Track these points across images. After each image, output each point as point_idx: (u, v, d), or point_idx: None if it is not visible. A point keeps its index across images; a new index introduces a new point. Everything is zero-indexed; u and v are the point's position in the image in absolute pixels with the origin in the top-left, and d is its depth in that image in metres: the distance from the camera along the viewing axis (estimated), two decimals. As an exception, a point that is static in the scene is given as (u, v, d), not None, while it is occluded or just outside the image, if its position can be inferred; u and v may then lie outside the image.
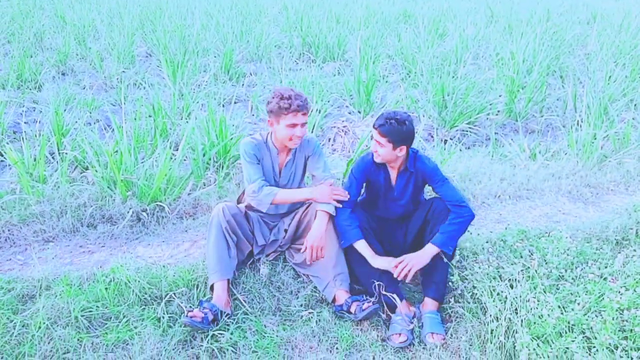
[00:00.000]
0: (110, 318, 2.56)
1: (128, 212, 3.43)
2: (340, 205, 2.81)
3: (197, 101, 5.42)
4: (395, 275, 2.66)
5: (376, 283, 2.69)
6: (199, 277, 2.82)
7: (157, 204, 3.53)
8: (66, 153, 3.89)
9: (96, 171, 3.64)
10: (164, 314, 2.57)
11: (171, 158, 3.90)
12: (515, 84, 5.84)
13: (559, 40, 8.41)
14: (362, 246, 2.76)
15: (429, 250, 2.68)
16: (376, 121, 2.73)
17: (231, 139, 4.16)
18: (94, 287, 2.72)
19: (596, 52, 8.07)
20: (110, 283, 2.73)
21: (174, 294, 2.70)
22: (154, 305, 2.65)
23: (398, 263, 2.67)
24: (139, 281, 2.73)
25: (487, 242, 3.05)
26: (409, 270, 2.64)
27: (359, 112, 5.56)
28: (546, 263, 2.85)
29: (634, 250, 3.03)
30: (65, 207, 3.42)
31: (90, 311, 2.57)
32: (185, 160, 4.20)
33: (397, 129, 2.66)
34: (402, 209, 2.97)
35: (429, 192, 3.40)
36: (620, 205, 3.87)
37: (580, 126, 5.03)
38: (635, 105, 5.81)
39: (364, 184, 2.96)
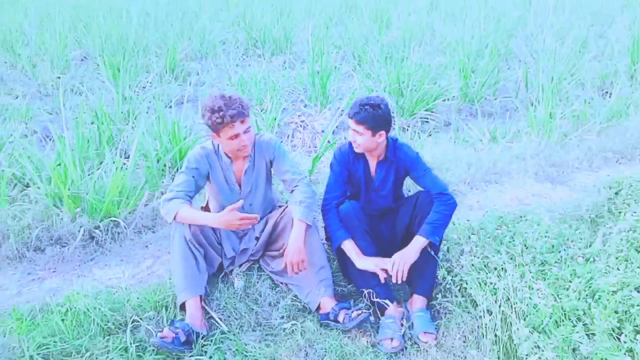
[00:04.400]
0: (71, 353, 2.26)
1: (79, 230, 3.10)
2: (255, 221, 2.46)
3: (142, 104, 5.06)
4: (394, 281, 2.50)
5: (365, 292, 2.54)
6: (167, 297, 2.55)
7: (111, 220, 3.21)
8: (2, 170, 3.48)
9: (38, 188, 3.27)
10: (131, 342, 2.29)
11: (122, 167, 3.59)
12: (467, 68, 5.80)
13: (502, 24, 8.51)
14: (348, 247, 2.59)
15: (417, 243, 2.54)
16: (350, 110, 2.60)
17: (185, 138, 3.88)
18: (48, 319, 2.40)
19: (537, 34, 8.22)
20: (67, 313, 2.42)
21: (141, 318, 2.42)
22: (119, 333, 2.37)
23: (386, 266, 2.51)
24: (99, 308, 2.43)
25: (468, 230, 2.94)
26: (404, 269, 2.49)
27: (315, 105, 5.35)
28: (527, 248, 2.77)
29: (610, 228, 3.00)
30: (7, 231, 3.05)
31: (48, 348, 2.26)
32: (137, 168, 3.86)
33: (373, 114, 2.55)
34: (383, 201, 2.82)
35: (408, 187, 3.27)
36: (587, 182, 3.87)
37: (535, 107, 5.04)
38: (583, 84, 5.90)
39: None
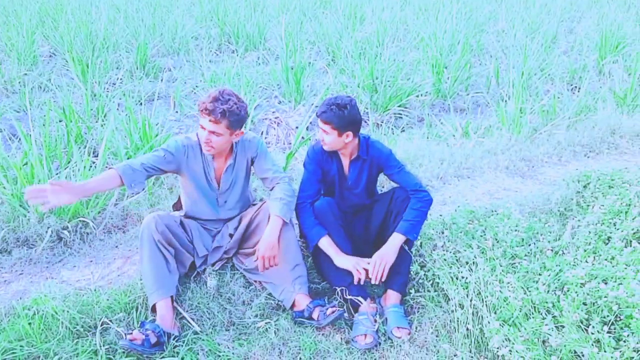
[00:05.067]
0: (39, 357, 2.20)
1: (46, 231, 3.02)
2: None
3: (112, 101, 4.96)
4: (373, 282, 2.51)
5: (338, 289, 2.54)
6: (138, 299, 2.50)
7: (79, 220, 3.14)
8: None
9: (4, 188, 3.18)
10: (101, 345, 2.24)
11: (91, 166, 3.51)
12: (440, 63, 5.84)
13: (473, 19, 8.60)
14: (325, 244, 2.57)
15: (396, 240, 2.55)
16: (319, 109, 2.59)
17: (156, 135, 3.82)
18: (14, 323, 2.34)
19: (508, 29, 8.32)
20: (34, 316, 2.35)
21: (111, 320, 2.37)
22: (88, 336, 2.32)
23: (366, 266, 2.51)
24: (67, 311, 2.37)
25: (441, 225, 2.96)
26: (384, 270, 2.50)
27: (289, 101, 5.32)
28: (497, 242, 2.80)
29: (579, 221, 3.06)
30: (-30, 233, 2.96)
31: (14, 352, 2.19)
32: (106, 167, 3.78)
33: (339, 115, 2.53)
34: (357, 199, 2.82)
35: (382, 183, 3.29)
36: (556, 176, 3.94)
37: (506, 102, 5.10)
38: (552, 79, 6.00)
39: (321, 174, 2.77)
